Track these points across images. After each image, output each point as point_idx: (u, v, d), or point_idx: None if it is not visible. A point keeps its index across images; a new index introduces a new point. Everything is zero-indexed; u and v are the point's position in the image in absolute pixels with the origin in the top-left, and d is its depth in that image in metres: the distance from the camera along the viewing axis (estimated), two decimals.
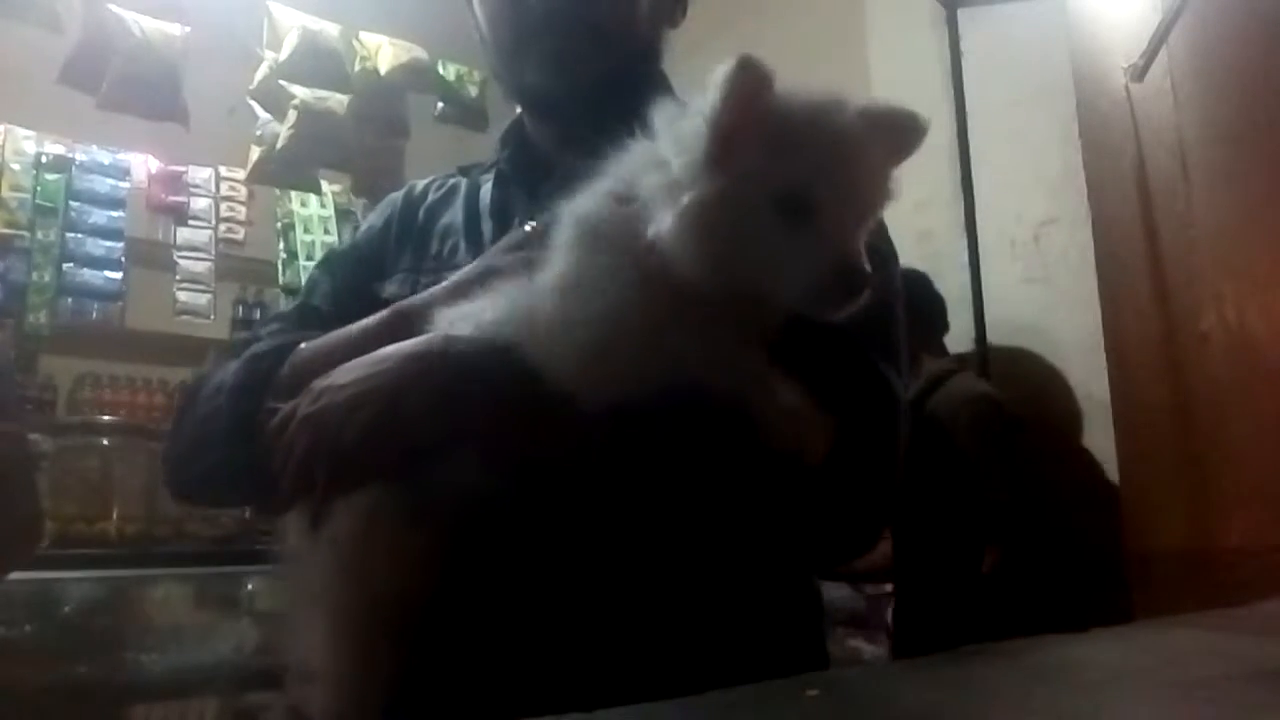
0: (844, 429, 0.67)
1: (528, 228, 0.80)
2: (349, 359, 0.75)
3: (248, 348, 0.89)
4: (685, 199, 0.62)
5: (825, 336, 0.68)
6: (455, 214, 0.97)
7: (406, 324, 0.78)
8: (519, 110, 1.01)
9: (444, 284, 0.81)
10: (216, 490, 0.94)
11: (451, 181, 1.02)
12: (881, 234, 0.85)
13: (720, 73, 0.59)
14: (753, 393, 0.64)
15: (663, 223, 0.62)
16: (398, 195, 1.04)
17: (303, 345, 0.84)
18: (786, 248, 0.61)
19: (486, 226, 0.93)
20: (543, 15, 0.88)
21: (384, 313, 0.82)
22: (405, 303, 0.82)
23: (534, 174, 0.94)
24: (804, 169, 0.61)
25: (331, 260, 1.09)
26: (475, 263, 0.81)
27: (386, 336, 0.77)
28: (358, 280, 0.96)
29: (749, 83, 0.59)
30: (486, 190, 0.98)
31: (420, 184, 1.04)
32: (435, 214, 0.99)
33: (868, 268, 0.61)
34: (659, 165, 0.64)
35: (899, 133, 0.67)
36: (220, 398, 0.84)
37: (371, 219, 1.05)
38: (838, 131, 0.62)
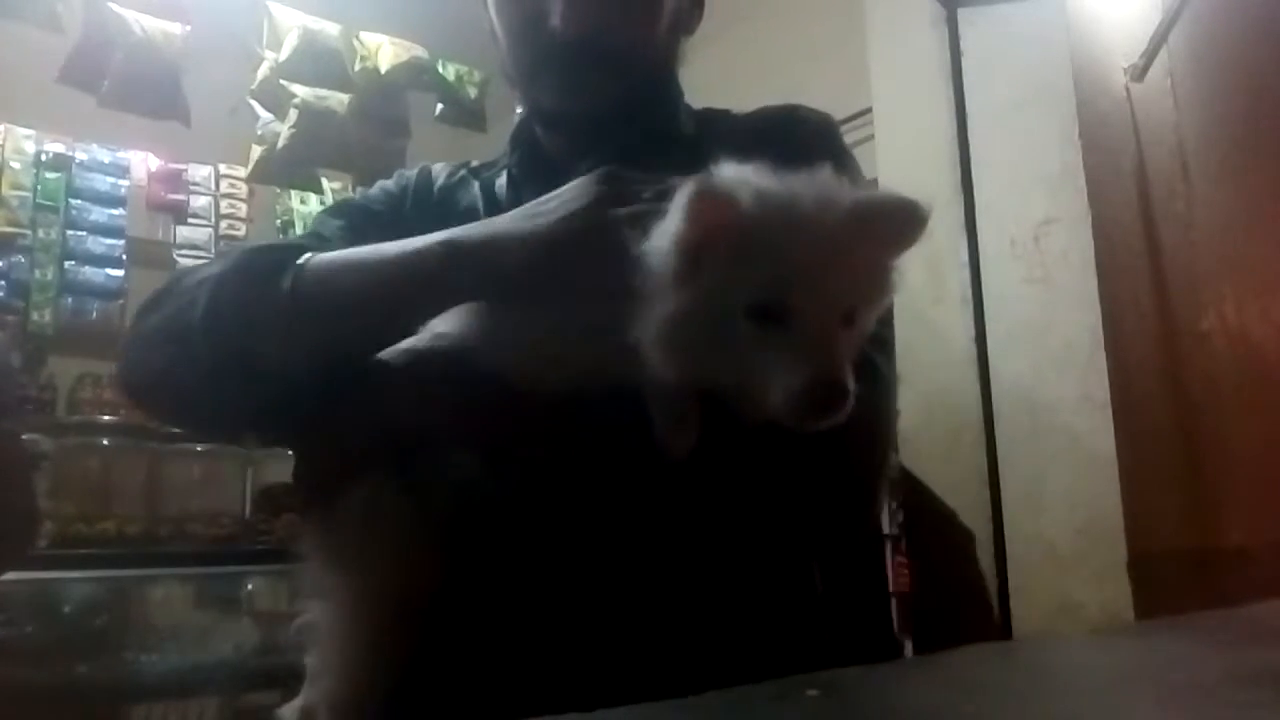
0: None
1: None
2: (385, 281, 0.69)
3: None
4: (656, 311, 0.60)
5: None
6: (475, 200, 0.96)
7: (460, 259, 0.69)
8: (519, 110, 1.01)
9: (529, 219, 0.69)
10: (173, 395, 0.79)
11: (462, 173, 1.02)
12: None
13: (681, 197, 0.58)
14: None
15: (640, 331, 0.61)
16: (412, 172, 1.02)
17: (310, 254, 0.73)
18: (760, 358, 0.58)
19: None
20: (562, 45, 0.87)
21: (438, 243, 0.70)
22: (460, 235, 0.71)
23: (545, 179, 0.93)
24: (775, 276, 0.58)
25: (343, 206, 1.02)
26: (575, 191, 0.68)
27: (435, 269, 0.69)
28: (371, 230, 0.90)
29: (709, 208, 0.58)
30: (501, 186, 0.97)
31: (432, 167, 1.04)
32: (452, 197, 0.98)
33: (849, 382, 0.57)
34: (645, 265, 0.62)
35: (897, 224, 0.63)
36: (201, 290, 0.72)
37: (384, 184, 1.01)
38: (813, 234, 0.59)
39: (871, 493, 0.80)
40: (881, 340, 0.79)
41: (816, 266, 0.59)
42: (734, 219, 0.58)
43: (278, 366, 0.70)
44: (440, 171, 1.02)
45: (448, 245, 0.70)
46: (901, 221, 0.63)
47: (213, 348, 0.70)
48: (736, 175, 0.61)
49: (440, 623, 0.73)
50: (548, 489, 0.71)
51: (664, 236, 0.59)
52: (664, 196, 0.61)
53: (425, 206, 0.97)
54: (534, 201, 0.70)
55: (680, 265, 0.59)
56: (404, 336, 0.72)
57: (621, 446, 0.67)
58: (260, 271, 0.72)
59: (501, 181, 0.98)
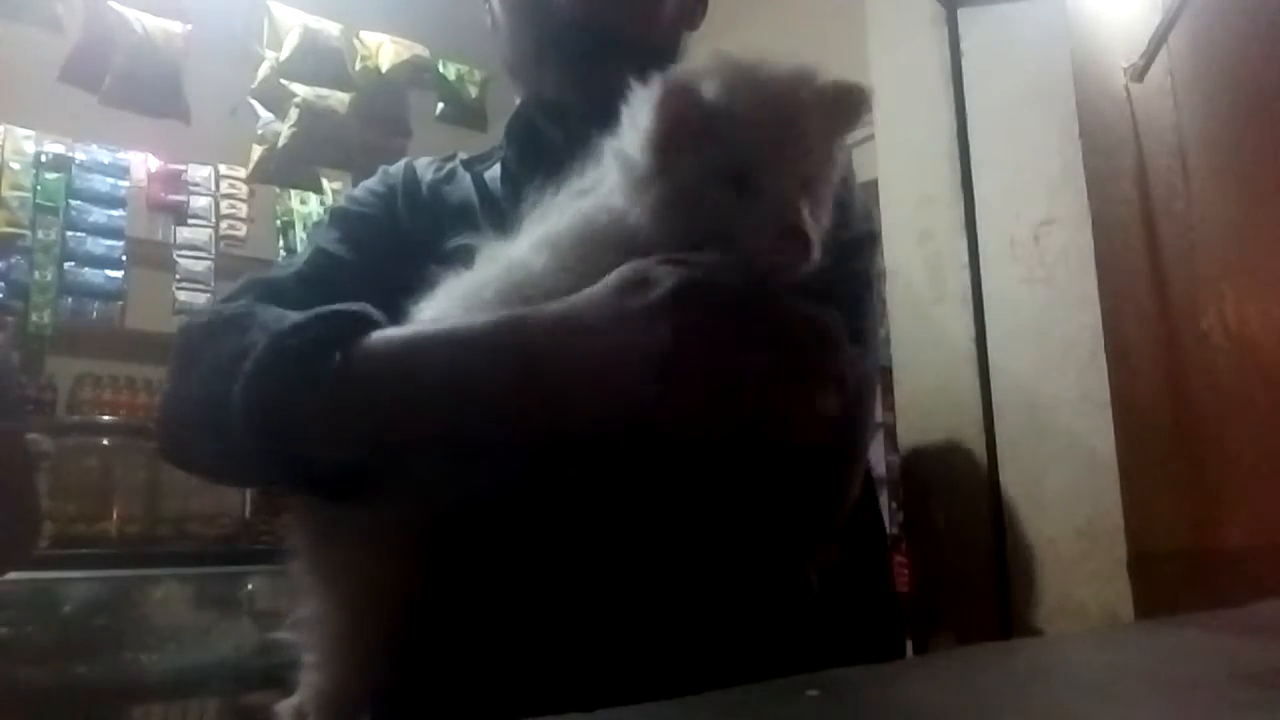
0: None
1: None
2: (454, 360, 0.64)
3: (264, 293, 0.79)
4: (643, 196, 0.68)
5: None
6: (468, 195, 0.95)
7: (522, 331, 0.64)
8: (519, 101, 1.00)
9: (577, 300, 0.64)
10: (222, 474, 0.87)
11: (449, 166, 1.01)
12: (861, 213, 0.87)
13: (651, 96, 0.66)
14: None
15: (630, 215, 0.69)
16: (396, 169, 1.01)
17: (373, 335, 0.67)
18: (735, 221, 0.66)
19: (504, 213, 0.89)
20: (566, 25, 0.87)
21: (503, 325, 0.65)
22: (525, 314, 0.65)
23: (544, 171, 0.93)
24: (743, 151, 0.66)
25: (336, 216, 0.99)
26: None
27: (501, 340, 0.64)
28: (368, 237, 0.92)
29: (677, 105, 0.66)
30: (494, 178, 0.96)
31: (417, 163, 1.03)
32: (441, 193, 0.97)
33: (811, 230, 0.64)
34: (624, 163, 0.70)
35: (844, 105, 0.71)
36: (238, 374, 0.68)
37: (369, 184, 0.99)
38: (772, 111, 0.67)
39: (843, 488, 0.80)
40: (862, 334, 0.80)
41: (778, 138, 0.67)
42: (699, 110, 0.66)
43: (312, 452, 0.68)
44: (427, 167, 1.01)
45: (517, 340, 0.63)
46: (849, 102, 0.71)
47: (248, 428, 0.67)
48: (702, 67, 0.69)
49: (432, 621, 0.73)
50: (538, 486, 0.71)
51: (639, 133, 0.67)
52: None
53: (416, 205, 0.96)
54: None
55: (657, 157, 0.67)
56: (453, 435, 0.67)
57: (606, 441, 0.66)
58: (306, 351, 0.67)
59: (494, 174, 0.97)
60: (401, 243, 0.91)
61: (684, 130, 0.66)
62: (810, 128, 0.69)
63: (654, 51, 0.91)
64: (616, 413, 0.60)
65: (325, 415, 0.66)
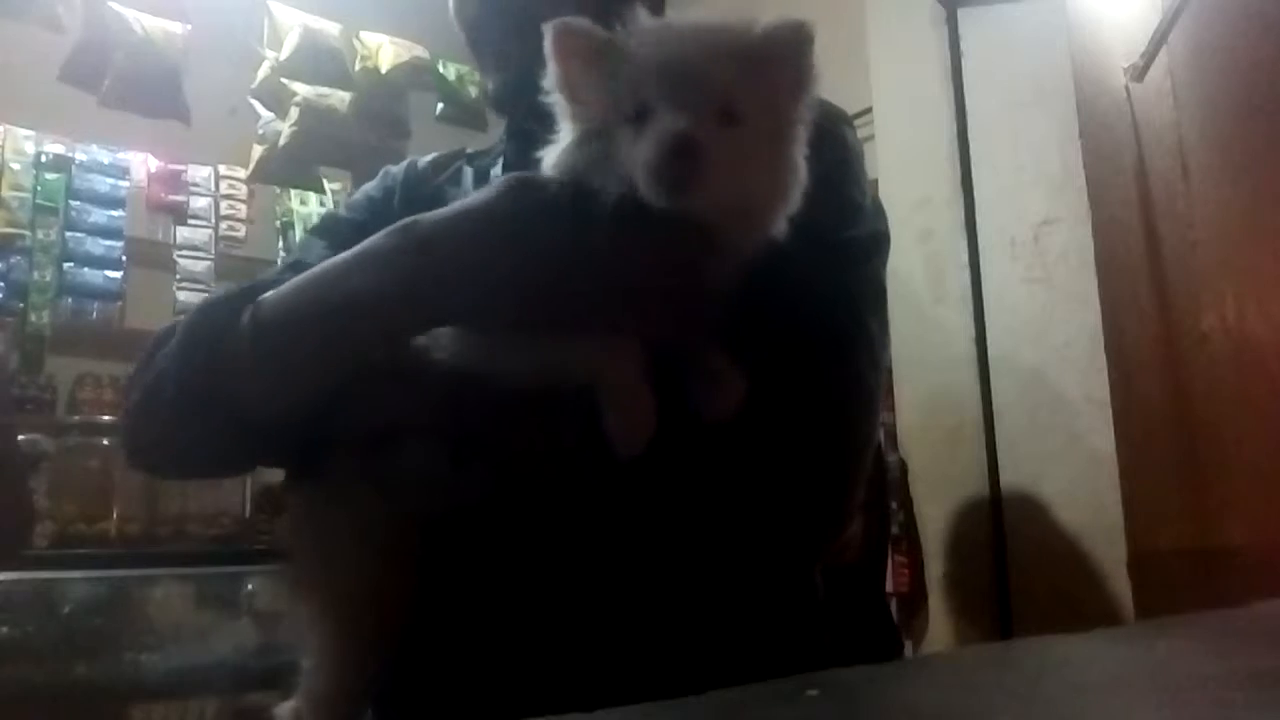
0: (799, 405, 0.70)
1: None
2: (355, 266, 0.67)
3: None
4: (565, 146, 0.68)
5: (792, 317, 0.70)
6: (470, 191, 0.94)
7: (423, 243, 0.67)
8: None
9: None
10: (171, 459, 0.82)
11: (456, 164, 1.01)
12: (871, 212, 0.85)
13: (546, 39, 0.66)
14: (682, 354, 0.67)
15: (557, 164, 0.69)
16: (398, 169, 1.01)
17: (267, 294, 0.71)
18: (634, 151, 0.63)
19: None
20: (475, 18, 0.91)
21: (395, 231, 0.69)
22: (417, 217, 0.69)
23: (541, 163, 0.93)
24: (641, 82, 0.64)
25: (327, 224, 1.00)
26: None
27: (395, 257, 0.67)
28: (355, 240, 0.92)
29: (570, 41, 0.66)
30: (497, 174, 0.96)
31: (421, 160, 1.02)
32: (445, 193, 0.97)
33: (701, 140, 0.60)
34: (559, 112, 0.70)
35: (780, 44, 0.67)
36: (169, 358, 0.73)
37: (368, 189, 1.00)
38: (672, 38, 0.66)
39: (845, 489, 0.78)
40: (871, 346, 0.79)
41: (676, 63, 0.64)
42: (596, 46, 0.66)
43: (243, 404, 0.68)
44: (430, 165, 1.01)
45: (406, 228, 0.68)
46: (783, 38, 0.67)
47: (180, 391, 0.70)
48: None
49: (430, 622, 0.73)
50: (531, 487, 0.71)
51: (552, 83, 0.67)
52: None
53: (414, 204, 0.94)
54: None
55: (569, 103, 0.67)
56: (374, 355, 0.69)
57: (600, 441, 0.66)
58: (225, 312, 0.71)
59: (497, 170, 0.97)
60: None
61: (579, 68, 0.66)
62: (724, 59, 0.65)
63: None
64: (496, 294, 0.64)
65: (243, 363, 0.68)
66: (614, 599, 0.74)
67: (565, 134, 0.70)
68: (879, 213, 0.86)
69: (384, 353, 0.69)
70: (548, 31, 0.66)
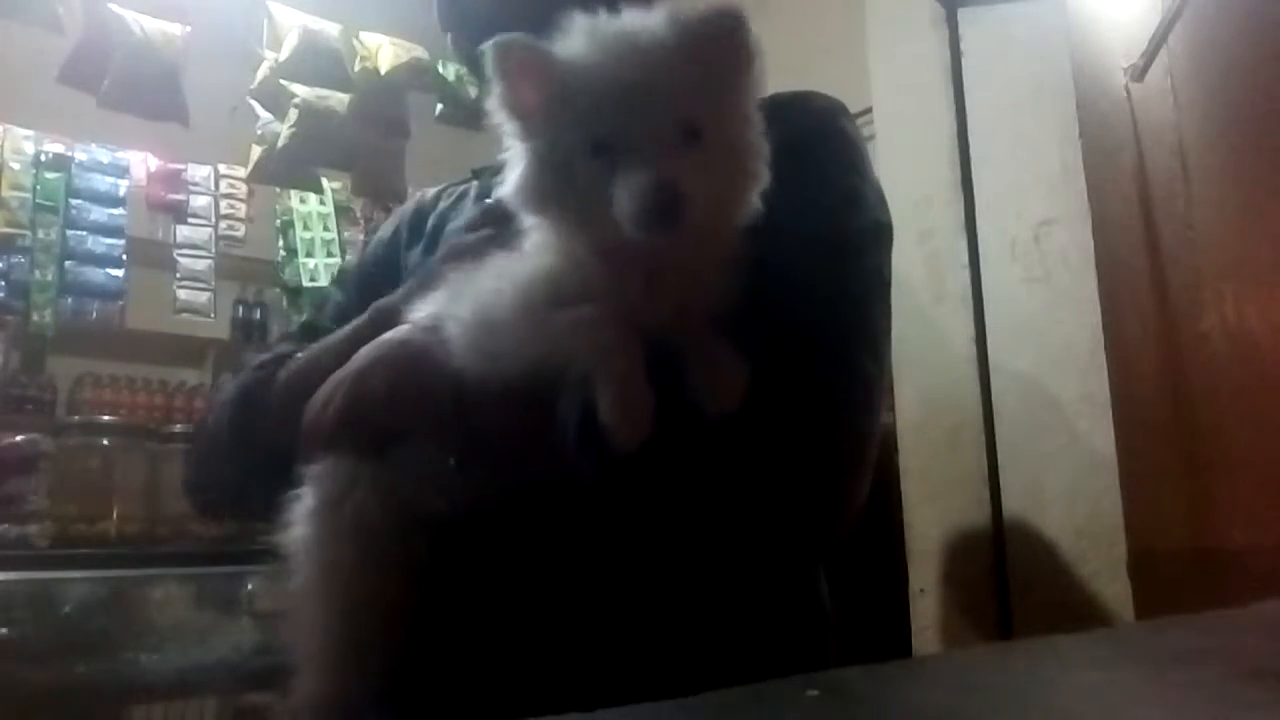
0: (797, 398, 0.71)
1: (487, 202, 0.83)
2: (337, 360, 0.80)
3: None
4: (517, 170, 0.67)
5: (789, 313, 0.71)
6: (467, 215, 0.97)
7: (387, 320, 0.81)
8: None
9: (417, 277, 0.84)
10: (230, 501, 0.99)
11: (463, 187, 1.02)
12: (874, 201, 0.84)
13: (491, 59, 0.64)
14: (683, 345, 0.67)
15: (502, 187, 0.67)
16: (408, 205, 1.06)
17: (298, 355, 0.88)
18: (605, 188, 0.62)
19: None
20: (452, 13, 0.97)
21: (366, 313, 0.85)
22: (384, 301, 0.85)
23: None
24: (599, 109, 0.62)
25: (342, 277, 1.17)
26: (441, 247, 0.85)
27: (368, 335, 0.80)
28: (369, 293, 0.95)
29: (517, 61, 0.63)
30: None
31: (432, 191, 1.05)
32: (446, 219, 0.99)
33: (673, 177, 0.60)
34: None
35: (715, 33, 0.65)
36: (224, 410, 0.89)
37: (380, 232, 1.08)
38: (624, 61, 0.63)
39: (846, 495, 0.77)
40: (873, 338, 0.78)
41: (633, 89, 0.62)
42: (543, 66, 0.63)
43: (280, 452, 0.79)
44: (440, 194, 1.05)
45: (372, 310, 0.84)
46: (719, 30, 0.65)
47: (242, 462, 0.87)
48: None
49: (429, 623, 0.73)
50: (531, 488, 0.71)
51: (496, 103, 0.65)
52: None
53: (419, 237, 1.01)
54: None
55: (516, 126, 0.65)
56: None
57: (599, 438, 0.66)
58: (263, 383, 0.88)
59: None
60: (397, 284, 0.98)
61: (527, 88, 0.64)
62: (675, 73, 0.63)
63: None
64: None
65: (274, 418, 0.84)
66: (614, 598, 0.74)
67: (515, 154, 0.68)
68: (881, 202, 0.85)
69: None
70: (489, 50, 0.65)
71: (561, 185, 0.65)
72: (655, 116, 0.62)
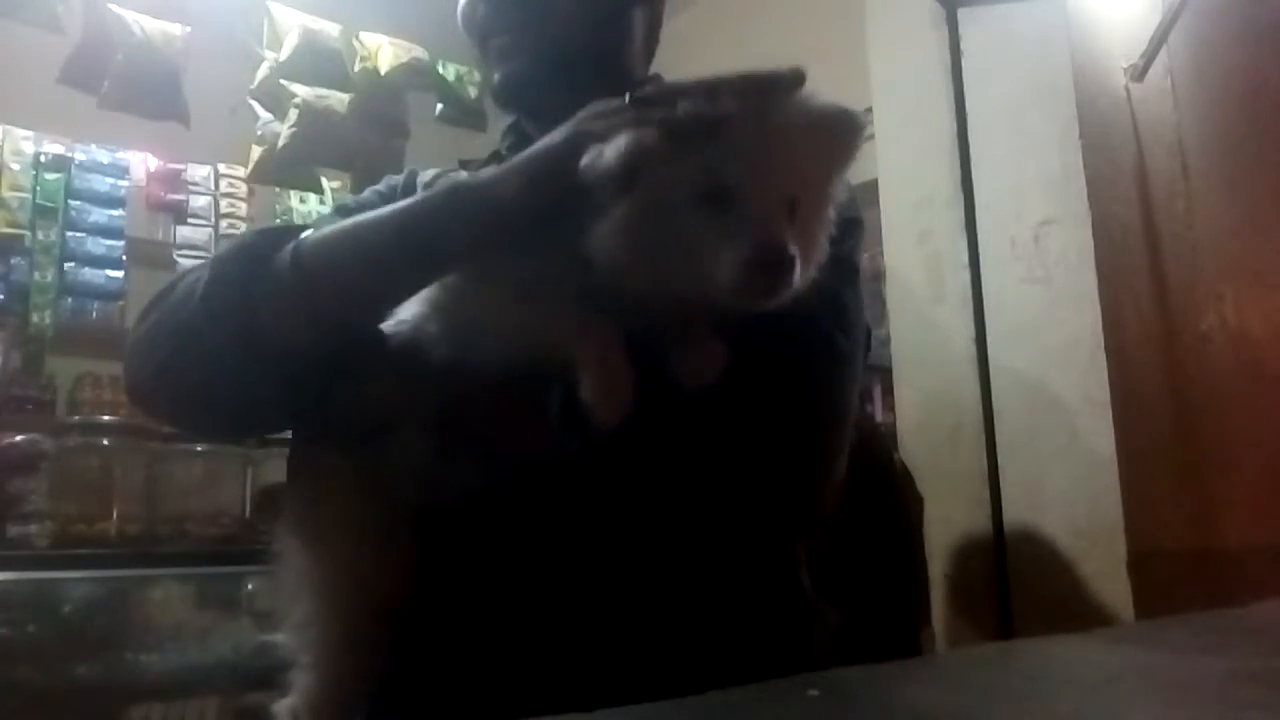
0: (781, 385, 0.71)
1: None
2: (388, 238, 0.69)
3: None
4: (610, 217, 0.63)
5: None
6: None
7: (461, 197, 0.70)
8: None
9: (521, 156, 0.70)
10: (175, 389, 0.77)
11: (452, 174, 1.02)
12: (845, 200, 0.86)
13: (615, 152, 0.60)
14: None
15: (596, 239, 0.64)
16: (398, 178, 1.04)
17: (307, 233, 0.72)
18: (710, 241, 0.61)
19: None
20: (486, 15, 0.93)
21: (434, 191, 0.73)
22: (465, 180, 0.73)
23: None
24: (719, 163, 0.62)
25: (340, 210, 1.03)
26: (562, 128, 0.69)
27: (439, 215, 0.69)
28: None
29: (638, 160, 0.61)
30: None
31: (422, 173, 1.05)
32: None
33: (793, 251, 0.60)
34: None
35: (831, 128, 0.68)
36: (199, 278, 0.71)
37: (375, 188, 1.04)
38: (751, 123, 0.63)
39: (824, 471, 0.78)
40: (843, 315, 0.80)
41: (756, 150, 0.62)
42: (661, 150, 0.62)
43: (282, 343, 0.68)
44: (427, 176, 1.03)
45: (451, 188, 0.71)
46: (836, 126, 0.67)
47: (214, 328, 0.69)
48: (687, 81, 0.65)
49: (427, 621, 0.73)
50: (519, 476, 0.71)
51: (611, 149, 0.62)
52: (646, 119, 0.63)
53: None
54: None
55: (623, 172, 0.62)
56: (407, 297, 0.71)
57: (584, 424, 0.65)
58: (260, 248, 0.72)
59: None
60: None
61: (656, 145, 0.62)
62: (800, 147, 0.65)
63: (626, 75, 0.95)
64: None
65: (282, 295, 0.69)
66: (602, 581, 0.74)
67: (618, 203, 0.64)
68: (852, 201, 0.87)
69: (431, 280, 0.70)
70: (623, 150, 0.60)
71: (658, 237, 0.63)
72: (771, 182, 0.63)
